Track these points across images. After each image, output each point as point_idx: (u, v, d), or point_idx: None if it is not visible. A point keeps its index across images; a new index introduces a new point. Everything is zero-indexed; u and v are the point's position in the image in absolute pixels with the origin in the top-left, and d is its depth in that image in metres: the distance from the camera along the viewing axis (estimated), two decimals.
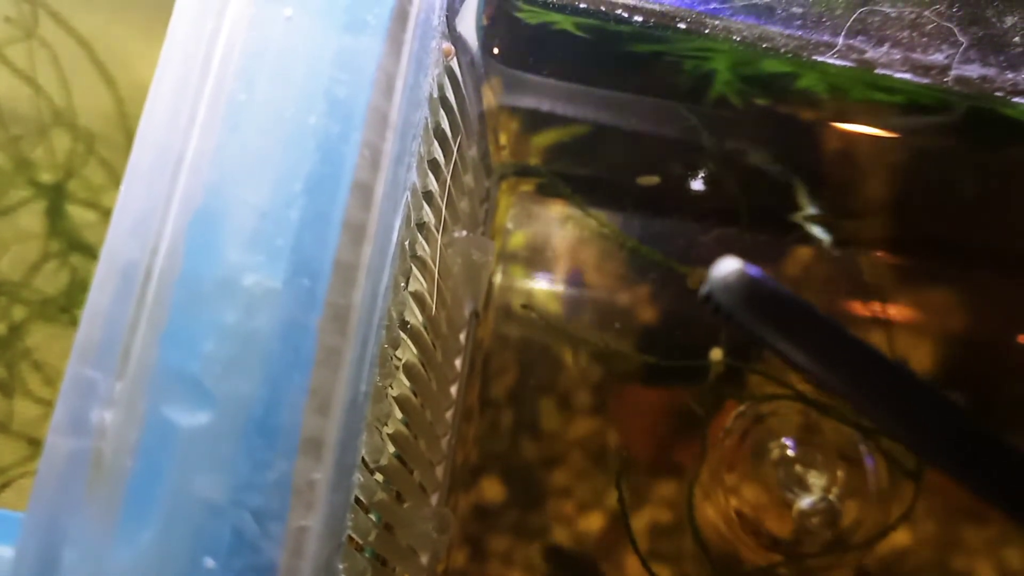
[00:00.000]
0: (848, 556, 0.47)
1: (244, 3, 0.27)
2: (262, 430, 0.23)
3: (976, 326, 0.51)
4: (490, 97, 0.46)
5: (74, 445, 0.23)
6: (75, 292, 0.60)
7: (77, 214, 0.61)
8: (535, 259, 0.51)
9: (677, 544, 0.49)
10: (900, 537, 0.47)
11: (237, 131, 0.26)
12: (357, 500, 0.29)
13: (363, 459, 0.29)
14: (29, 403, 0.58)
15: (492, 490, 0.49)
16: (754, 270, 0.20)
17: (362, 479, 0.29)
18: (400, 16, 0.29)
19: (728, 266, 0.20)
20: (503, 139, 0.50)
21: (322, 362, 0.24)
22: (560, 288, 0.51)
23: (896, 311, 0.51)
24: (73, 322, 0.60)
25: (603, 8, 0.39)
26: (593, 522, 0.50)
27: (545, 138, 0.51)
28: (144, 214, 0.25)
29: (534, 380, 0.50)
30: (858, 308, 0.52)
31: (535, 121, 0.49)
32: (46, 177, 0.61)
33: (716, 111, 0.48)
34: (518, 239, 0.52)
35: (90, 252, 0.61)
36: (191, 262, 0.24)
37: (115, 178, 0.60)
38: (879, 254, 0.52)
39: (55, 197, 0.60)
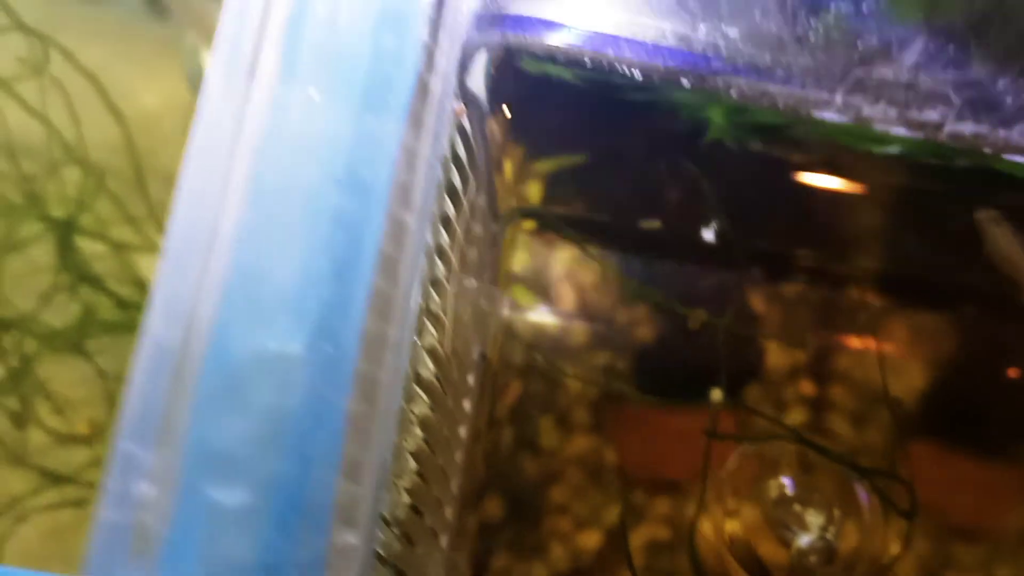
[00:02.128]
0: None
1: (269, 85, 0.28)
2: (296, 506, 0.24)
3: (963, 353, 0.53)
4: (496, 145, 0.47)
5: (119, 517, 0.24)
6: (85, 325, 0.61)
7: (86, 247, 0.62)
8: (538, 290, 0.53)
9: (672, 563, 0.51)
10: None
11: (264, 210, 0.27)
12: (377, 555, 0.30)
13: (382, 515, 0.30)
14: (41, 434, 0.59)
15: (492, 507, 0.51)
16: None
17: (382, 535, 0.30)
18: (421, 94, 0.30)
19: None
20: (508, 183, 0.51)
21: (352, 433, 0.26)
22: (560, 318, 0.53)
23: (886, 340, 0.53)
24: (83, 354, 0.61)
25: (606, 65, 0.40)
26: (591, 539, 0.51)
27: (548, 181, 0.52)
28: (179, 294, 0.26)
29: (535, 399, 0.52)
30: (852, 340, 0.53)
31: (539, 165, 0.51)
32: (56, 211, 0.62)
33: (711, 154, 0.49)
34: (522, 272, 0.53)
35: (99, 284, 0.62)
36: (223, 340, 0.25)
37: (124, 211, 0.61)
38: (866, 289, 0.54)
39: (65, 231, 0.61)
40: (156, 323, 0.26)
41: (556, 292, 0.53)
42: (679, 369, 0.53)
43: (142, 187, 0.62)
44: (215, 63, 0.28)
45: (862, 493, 0.48)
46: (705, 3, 0.36)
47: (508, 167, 0.51)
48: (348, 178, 0.28)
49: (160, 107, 0.68)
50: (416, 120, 0.29)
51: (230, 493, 0.24)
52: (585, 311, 0.53)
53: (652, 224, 0.52)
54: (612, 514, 0.51)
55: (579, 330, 0.53)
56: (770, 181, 0.53)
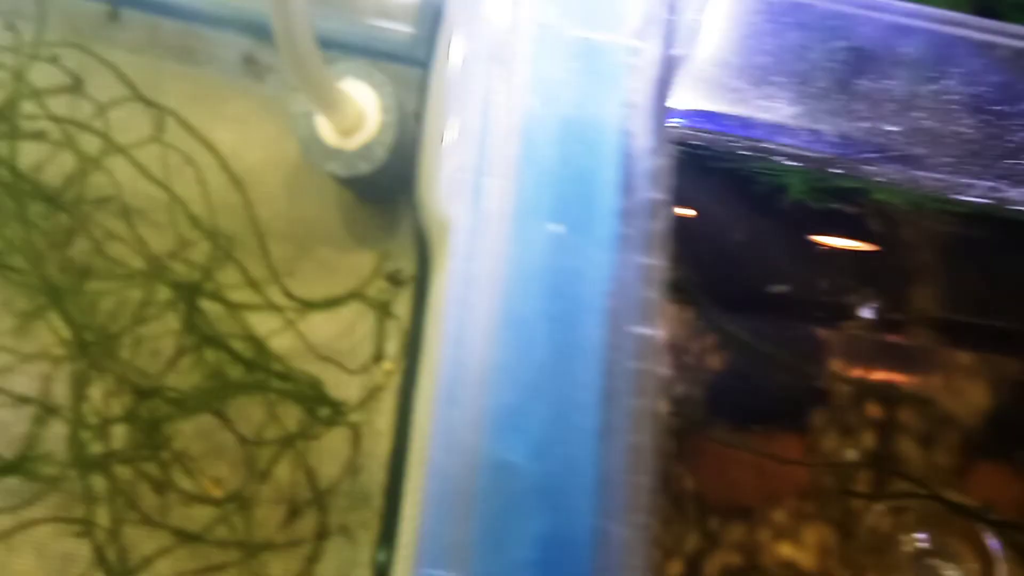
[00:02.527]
0: None
1: (508, 223, 0.30)
2: None
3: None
4: None
5: None
6: (214, 388, 0.63)
7: (209, 309, 0.63)
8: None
9: None
10: None
11: (520, 348, 0.29)
12: None
13: None
14: (173, 496, 0.61)
15: None
16: None
17: None
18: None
19: None
20: None
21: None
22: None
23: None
24: (210, 414, 0.63)
25: (768, 152, 0.42)
26: (674, 568, 0.53)
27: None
28: (455, 427, 0.28)
29: None
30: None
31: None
32: (181, 276, 0.63)
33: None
34: None
35: (222, 346, 0.63)
36: (498, 473, 0.27)
37: (247, 275, 0.63)
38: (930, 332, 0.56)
39: (190, 295, 0.63)
40: (439, 457, 0.27)
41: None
42: (750, 398, 0.55)
43: (263, 245, 0.64)
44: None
45: (992, 543, 0.50)
46: (873, 105, 0.38)
47: None
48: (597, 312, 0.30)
49: (263, 164, 0.69)
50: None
51: None
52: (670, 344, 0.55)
53: (781, 288, 0.54)
54: (692, 543, 0.53)
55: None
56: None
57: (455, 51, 0.40)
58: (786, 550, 0.55)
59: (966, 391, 0.55)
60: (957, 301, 0.56)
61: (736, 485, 0.55)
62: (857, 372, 0.55)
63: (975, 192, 0.42)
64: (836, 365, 0.55)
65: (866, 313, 0.55)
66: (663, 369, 0.31)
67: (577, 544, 0.27)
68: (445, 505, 0.27)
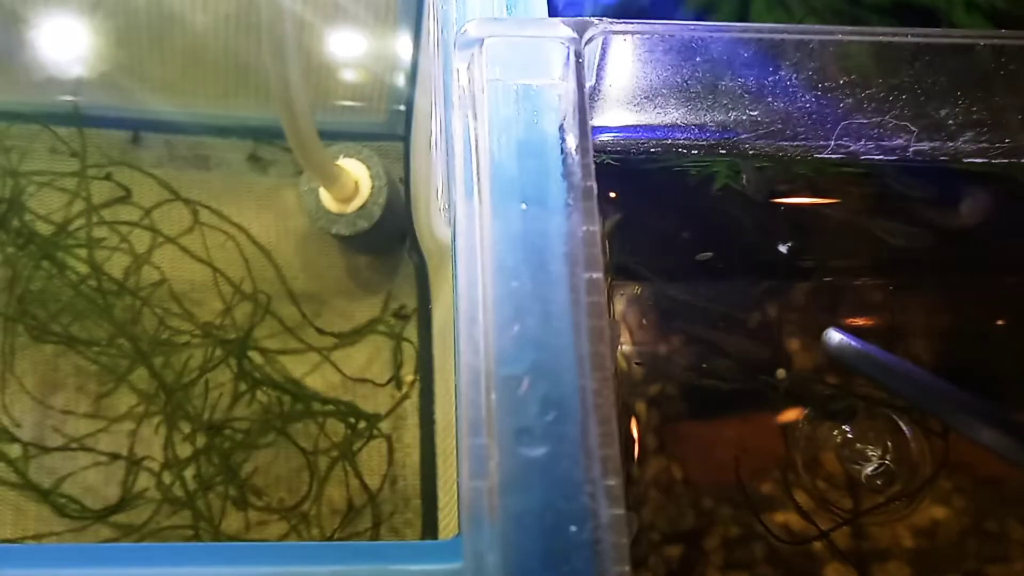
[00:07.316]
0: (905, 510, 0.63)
1: (490, 208, 0.45)
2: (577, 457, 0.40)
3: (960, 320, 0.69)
4: None
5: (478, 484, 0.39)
6: (268, 421, 0.76)
7: (255, 357, 0.77)
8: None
9: (749, 553, 0.63)
10: (937, 511, 0.64)
11: (510, 285, 0.43)
12: None
13: None
14: (252, 513, 0.74)
15: None
16: (847, 336, 0.37)
17: None
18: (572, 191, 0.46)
19: (833, 336, 0.37)
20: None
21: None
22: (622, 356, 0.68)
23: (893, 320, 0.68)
24: (277, 432, 0.75)
25: (671, 147, 0.56)
26: (674, 550, 0.64)
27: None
28: (477, 348, 0.42)
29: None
30: (864, 322, 0.69)
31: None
32: (231, 335, 0.77)
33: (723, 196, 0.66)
34: None
35: (270, 383, 0.77)
36: (507, 382, 0.41)
37: (285, 326, 0.77)
38: (867, 281, 0.69)
39: (238, 350, 0.77)
40: (468, 355, 0.41)
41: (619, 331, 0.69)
42: (720, 384, 0.67)
43: (293, 301, 0.79)
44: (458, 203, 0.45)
45: (906, 427, 0.64)
46: (735, 99, 0.53)
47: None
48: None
49: (279, 236, 0.84)
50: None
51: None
52: (637, 347, 0.68)
53: (705, 255, 0.68)
54: (686, 524, 0.62)
55: (635, 366, 0.68)
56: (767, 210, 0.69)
57: (437, 104, 0.55)
58: (779, 516, 0.67)
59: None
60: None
61: (722, 466, 0.67)
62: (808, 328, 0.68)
63: (830, 150, 0.57)
64: (790, 326, 0.68)
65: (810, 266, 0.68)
66: (602, 299, 0.45)
67: (567, 401, 0.41)
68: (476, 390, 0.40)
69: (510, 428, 0.40)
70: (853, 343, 0.36)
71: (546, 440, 0.40)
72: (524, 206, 0.45)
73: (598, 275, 0.50)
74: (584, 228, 0.47)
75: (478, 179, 0.46)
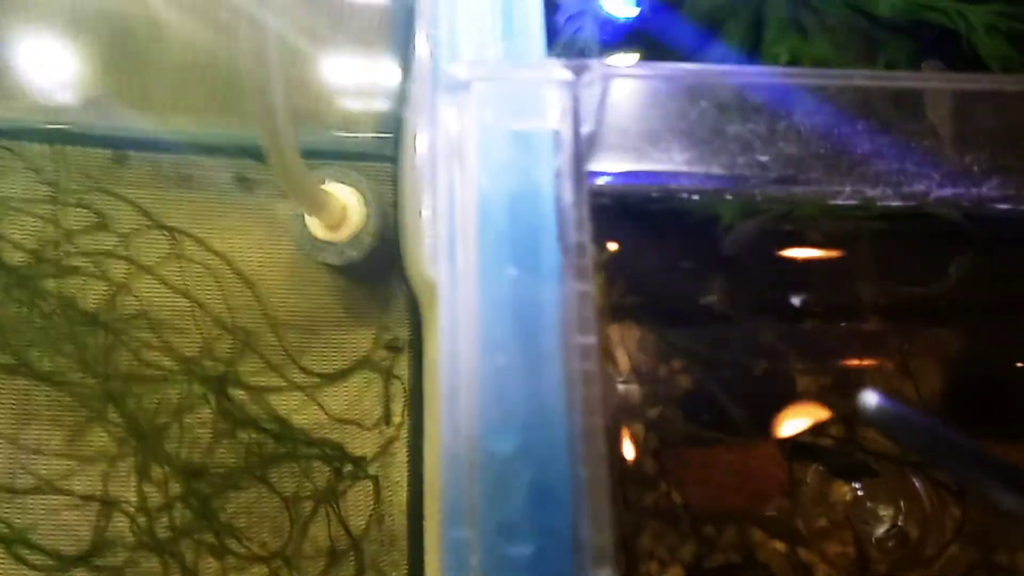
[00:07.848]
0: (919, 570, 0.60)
1: (477, 272, 0.41)
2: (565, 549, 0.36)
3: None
4: None
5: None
6: (251, 462, 0.72)
7: (237, 393, 0.73)
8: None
9: None
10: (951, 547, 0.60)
11: (497, 360, 0.39)
12: None
13: None
14: (230, 560, 0.70)
15: None
16: (883, 399, 0.34)
17: None
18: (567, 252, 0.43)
19: (870, 399, 0.34)
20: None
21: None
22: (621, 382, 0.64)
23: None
24: (256, 479, 0.72)
25: (674, 192, 0.53)
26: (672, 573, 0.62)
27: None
28: (455, 416, 0.38)
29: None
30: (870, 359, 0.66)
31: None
32: (210, 371, 0.74)
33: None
34: None
35: (252, 425, 0.73)
36: (492, 459, 0.38)
37: (267, 362, 0.73)
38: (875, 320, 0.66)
39: (217, 387, 0.73)
40: (447, 438, 0.38)
41: (616, 358, 0.65)
42: (722, 411, 0.64)
43: (277, 334, 0.75)
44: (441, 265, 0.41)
45: (919, 484, 0.60)
46: (744, 144, 0.50)
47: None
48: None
49: (265, 263, 0.80)
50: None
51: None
52: (635, 372, 0.65)
53: (710, 298, 0.65)
54: (688, 551, 0.61)
55: (634, 390, 0.65)
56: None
57: (420, 151, 0.52)
58: (780, 545, 0.64)
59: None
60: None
61: (723, 491, 0.65)
62: (816, 366, 0.65)
63: (844, 196, 0.53)
64: (797, 364, 0.65)
65: (817, 309, 0.65)
66: (597, 367, 0.42)
67: (556, 491, 0.37)
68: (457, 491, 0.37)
69: (494, 522, 0.37)
70: (891, 407, 0.32)
71: (533, 537, 0.36)
72: (514, 272, 0.41)
73: (592, 340, 0.46)
74: (578, 290, 0.43)
75: (464, 238, 0.42)
